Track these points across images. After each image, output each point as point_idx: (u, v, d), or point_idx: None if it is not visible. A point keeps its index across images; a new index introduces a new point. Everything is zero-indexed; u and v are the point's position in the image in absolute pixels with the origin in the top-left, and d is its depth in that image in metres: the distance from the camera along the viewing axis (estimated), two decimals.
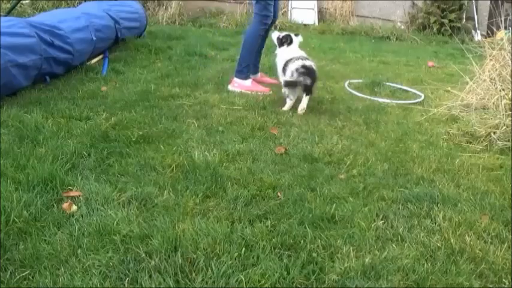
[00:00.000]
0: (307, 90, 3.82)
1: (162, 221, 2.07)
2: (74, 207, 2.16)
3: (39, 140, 2.86)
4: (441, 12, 8.77)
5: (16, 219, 2.00)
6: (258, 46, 4.48)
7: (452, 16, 8.70)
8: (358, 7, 9.80)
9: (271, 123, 3.49)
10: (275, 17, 4.55)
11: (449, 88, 4.83)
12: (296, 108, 3.85)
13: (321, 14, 9.94)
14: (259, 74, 4.81)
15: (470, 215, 2.32)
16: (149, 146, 2.92)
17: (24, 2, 7.25)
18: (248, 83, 4.43)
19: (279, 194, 2.42)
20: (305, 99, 3.83)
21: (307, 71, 3.80)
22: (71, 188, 2.34)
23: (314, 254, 1.92)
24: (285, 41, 4.21)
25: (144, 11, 6.76)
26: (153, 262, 1.80)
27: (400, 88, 4.86)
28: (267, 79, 4.77)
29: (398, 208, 2.36)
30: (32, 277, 1.71)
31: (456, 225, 2.22)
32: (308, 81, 3.79)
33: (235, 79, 4.41)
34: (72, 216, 2.10)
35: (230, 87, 4.40)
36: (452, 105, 4.03)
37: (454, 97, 4.32)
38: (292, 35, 4.26)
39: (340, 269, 1.84)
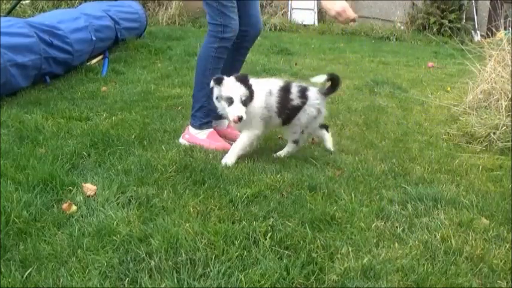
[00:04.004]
0: None
1: (162, 221, 2.07)
2: (74, 208, 2.16)
3: (39, 140, 2.86)
4: (441, 12, 8.78)
5: (16, 220, 1.99)
6: (215, 74, 2.74)
7: (452, 17, 8.71)
8: (358, 7, 9.80)
9: None
10: (254, 28, 3.06)
11: (449, 88, 4.85)
12: None
13: (321, 15, 9.94)
14: (226, 122, 3.20)
15: (470, 215, 2.32)
16: (149, 146, 2.92)
17: (24, 2, 7.25)
18: (202, 135, 2.99)
19: (283, 193, 2.42)
20: None
21: None
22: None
23: (314, 254, 1.91)
24: None
25: (144, 12, 6.77)
26: (153, 262, 1.79)
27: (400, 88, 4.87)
28: (236, 131, 2.99)
29: (398, 208, 2.36)
30: (32, 277, 1.71)
31: (456, 225, 2.22)
32: None
33: (189, 127, 3.04)
34: (72, 216, 2.10)
35: (181, 138, 3.04)
36: (452, 106, 4.03)
37: (453, 97, 4.33)
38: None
39: (340, 269, 1.84)
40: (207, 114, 3.01)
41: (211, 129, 3.05)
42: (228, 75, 2.70)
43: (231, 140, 2.96)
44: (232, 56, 3.03)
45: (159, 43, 6.28)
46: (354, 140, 3.30)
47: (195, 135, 3.01)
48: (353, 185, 2.58)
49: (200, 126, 3.00)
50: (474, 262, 1.96)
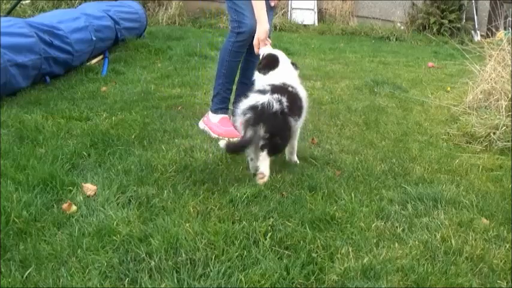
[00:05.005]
0: (264, 146, 2.46)
1: (162, 221, 2.07)
2: (74, 208, 2.16)
3: (39, 140, 2.86)
4: (441, 12, 8.77)
5: (16, 220, 1.99)
6: (231, 66, 3.21)
7: (452, 16, 8.70)
8: (358, 7, 9.80)
9: None
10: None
11: (449, 88, 4.85)
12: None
13: (321, 15, 9.94)
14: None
15: (470, 215, 2.32)
16: (149, 146, 2.92)
17: (24, 2, 7.26)
18: (215, 118, 3.27)
19: (283, 193, 2.42)
20: (263, 160, 2.48)
21: (256, 117, 2.41)
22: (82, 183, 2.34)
23: (314, 254, 1.92)
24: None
25: (144, 12, 6.77)
26: (153, 262, 1.79)
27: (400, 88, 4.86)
28: None
29: (399, 208, 2.36)
30: (32, 277, 1.71)
31: (456, 225, 2.22)
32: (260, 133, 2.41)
33: (209, 113, 3.34)
34: (72, 216, 2.10)
35: (200, 122, 3.36)
36: (452, 106, 4.03)
37: (453, 97, 4.33)
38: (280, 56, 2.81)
39: (340, 269, 1.84)
40: (222, 101, 3.30)
41: (225, 115, 3.30)
42: (244, 73, 3.20)
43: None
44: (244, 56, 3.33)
45: (159, 43, 6.28)
46: (354, 140, 3.30)
47: (210, 119, 3.29)
48: (353, 185, 2.58)
49: (215, 111, 3.29)
50: (474, 262, 1.96)
